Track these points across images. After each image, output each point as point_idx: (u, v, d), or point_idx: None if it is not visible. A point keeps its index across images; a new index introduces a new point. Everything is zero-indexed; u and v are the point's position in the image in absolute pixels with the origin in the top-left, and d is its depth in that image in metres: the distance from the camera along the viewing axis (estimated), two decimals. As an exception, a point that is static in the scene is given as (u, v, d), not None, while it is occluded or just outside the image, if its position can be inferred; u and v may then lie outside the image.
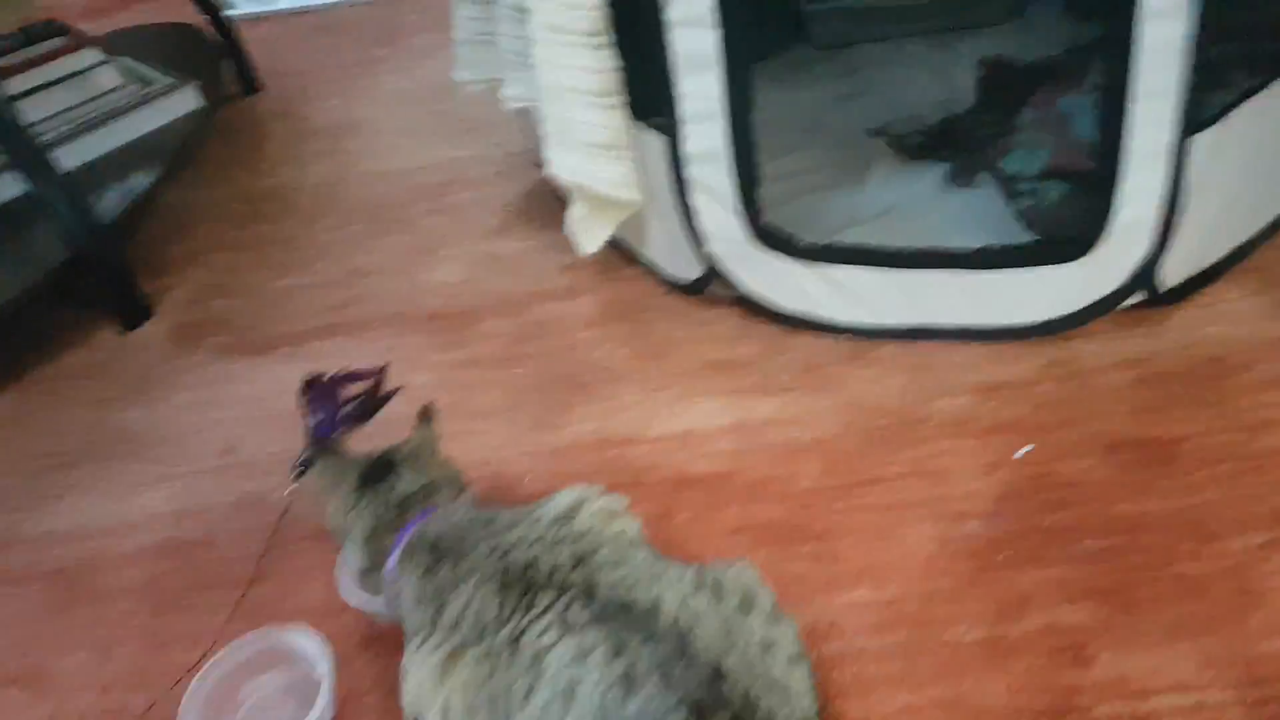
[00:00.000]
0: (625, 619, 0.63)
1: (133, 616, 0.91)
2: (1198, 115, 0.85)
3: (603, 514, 0.72)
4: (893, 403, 0.95)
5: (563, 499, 0.73)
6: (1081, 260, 0.92)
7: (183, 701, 0.77)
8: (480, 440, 1.01)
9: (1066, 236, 0.98)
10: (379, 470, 0.81)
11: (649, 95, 0.97)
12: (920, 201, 1.12)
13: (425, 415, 0.85)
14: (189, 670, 0.80)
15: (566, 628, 0.63)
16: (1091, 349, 0.96)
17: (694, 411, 0.99)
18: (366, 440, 1.04)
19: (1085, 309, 0.95)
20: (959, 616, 0.76)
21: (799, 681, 0.64)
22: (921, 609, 0.78)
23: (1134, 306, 0.98)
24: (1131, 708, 0.69)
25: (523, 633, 0.64)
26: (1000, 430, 0.90)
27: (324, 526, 0.82)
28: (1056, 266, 0.94)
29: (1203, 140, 0.86)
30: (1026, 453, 0.88)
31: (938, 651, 0.75)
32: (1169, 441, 0.86)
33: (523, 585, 0.66)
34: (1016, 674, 0.72)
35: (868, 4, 1.41)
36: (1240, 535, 0.78)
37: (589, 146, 1.01)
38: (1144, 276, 0.93)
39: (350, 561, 0.80)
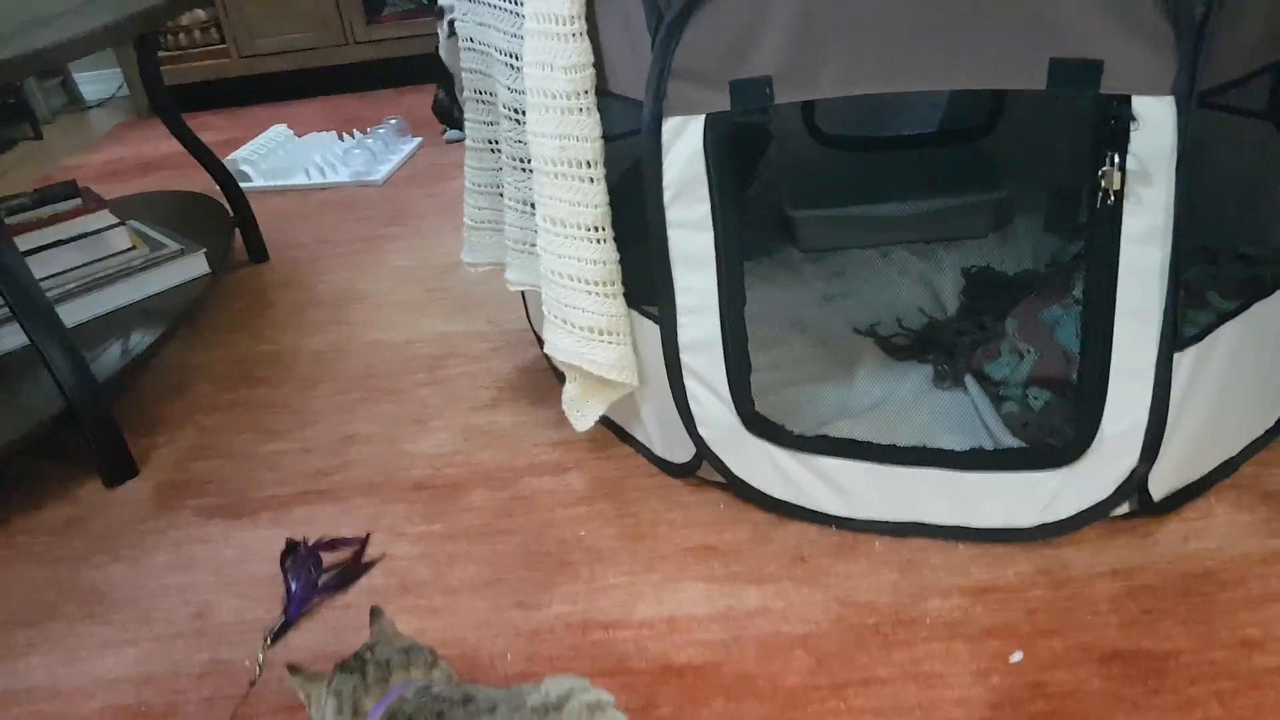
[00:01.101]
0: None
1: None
2: (1180, 334, 0.89)
3: (590, 708, 0.69)
4: (884, 600, 0.94)
5: (551, 688, 0.70)
6: (1070, 467, 0.94)
7: None
8: (459, 617, 0.98)
9: (1054, 443, 1.00)
10: (354, 654, 0.79)
11: (646, 286, 1.01)
12: (907, 399, 1.15)
13: (375, 614, 0.84)
14: None
15: None
16: (1082, 557, 0.96)
17: (680, 597, 0.97)
18: (343, 608, 1.01)
19: (1075, 516, 0.96)
20: (955, 835, 0.72)
21: None
22: (915, 825, 0.73)
23: (1124, 516, 0.99)
24: None
25: None
26: (993, 635, 0.88)
27: (292, 698, 0.78)
28: (1048, 471, 0.95)
29: (1187, 357, 0.90)
30: (1021, 657, 0.86)
31: None
32: (1162, 656, 0.85)
33: None
34: None
35: (852, 213, 1.49)
36: (1242, 760, 0.75)
37: (586, 331, 1.04)
38: (1132, 486, 0.94)
39: None
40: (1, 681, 0.98)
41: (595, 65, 0.94)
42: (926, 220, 1.47)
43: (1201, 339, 0.91)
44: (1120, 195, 0.83)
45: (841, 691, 0.85)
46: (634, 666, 0.90)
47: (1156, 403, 0.90)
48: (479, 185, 1.25)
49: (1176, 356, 0.89)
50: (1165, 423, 0.91)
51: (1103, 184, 0.83)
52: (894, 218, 1.48)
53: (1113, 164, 0.82)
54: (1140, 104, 0.79)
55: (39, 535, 1.19)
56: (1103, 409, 0.91)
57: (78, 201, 1.56)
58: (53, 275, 1.47)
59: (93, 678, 0.97)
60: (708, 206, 0.93)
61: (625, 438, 1.21)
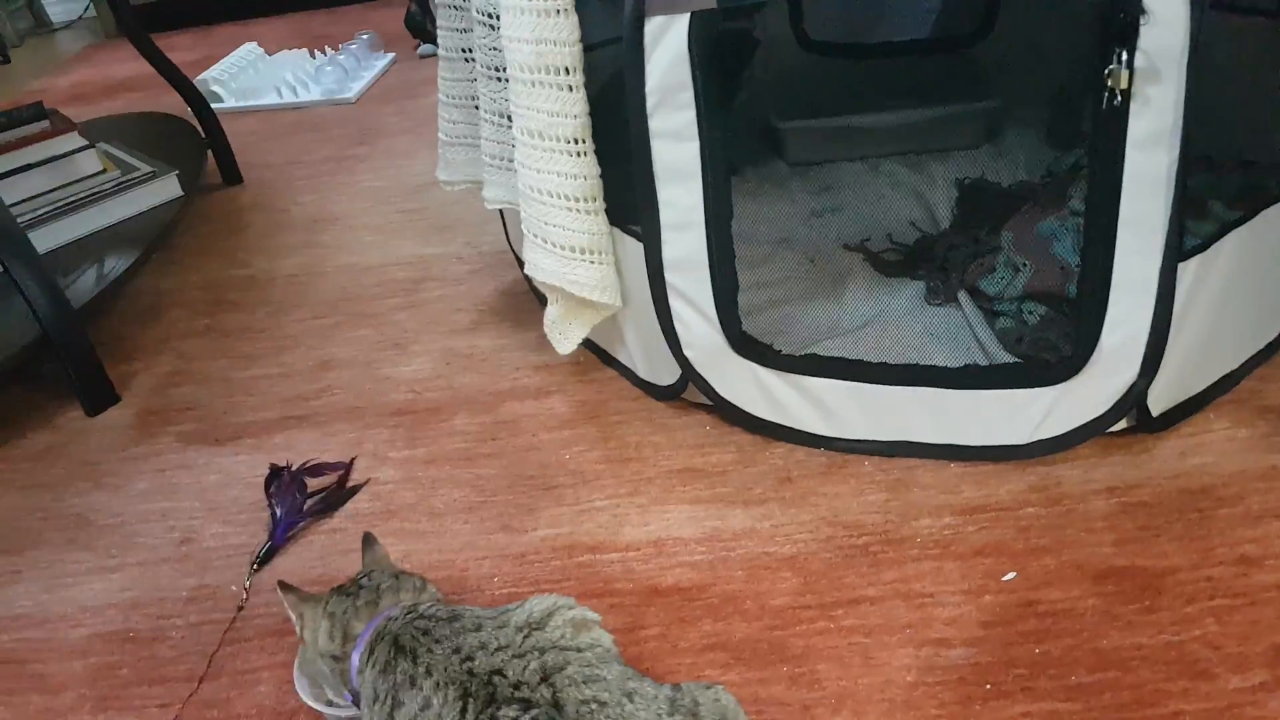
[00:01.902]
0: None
1: (77, 709, 0.85)
2: (1183, 244, 0.85)
3: (575, 624, 0.68)
4: (873, 520, 0.92)
5: (535, 606, 0.70)
6: (1066, 383, 0.91)
7: None
8: (445, 540, 0.97)
9: (1050, 359, 0.98)
10: (347, 581, 0.78)
11: (629, 202, 0.97)
12: (898, 317, 1.12)
13: (368, 541, 0.83)
14: None
15: None
16: (1076, 474, 0.94)
17: (666, 519, 0.95)
18: (329, 532, 1.00)
19: (1070, 432, 0.94)
20: (943, 752, 0.72)
21: None
22: (904, 742, 0.73)
23: (1120, 432, 0.97)
24: None
25: None
26: (984, 554, 0.87)
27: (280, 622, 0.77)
28: (1042, 388, 0.92)
29: (1189, 269, 0.87)
30: (1014, 576, 0.84)
31: (921, 791, 0.70)
32: (1157, 573, 0.83)
33: (486, 695, 0.62)
34: (1005, 819, 0.67)
35: (841, 124, 1.44)
36: (1236, 674, 0.74)
37: (567, 250, 1.00)
38: (1130, 402, 0.92)
39: (315, 660, 0.75)
40: (-8, 604, 0.97)
41: (572, -37, 0.88)
42: (918, 131, 1.42)
43: (1205, 249, 0.88)
44: (1127, 95, 0.78)
45: (830, 611, 0.84)
46: (621, 588, 0.89)
47: (1158, 315, 0.87)
48: (453, 98, 1.19)
49: (1179, 267, 0.86)
50: (1167, 336, 0.88)
51: (1109, 84, 0.78)
52: (884, 129, 1.42)
53: (1120, 62, 0.77)
54: (1151, -4, 0.74)
55: (19, 463, 1.17)
56: (1102, 322, 0.88)
57: (45, 124, 1.51)
58: (23, 200, 1.42)
59: (79, 604, 0.96)
60: (692, 114, 0.88)
61: (609, 361, 1.18)
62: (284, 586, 0.78)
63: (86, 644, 0.91)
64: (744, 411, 1.03)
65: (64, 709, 0.85)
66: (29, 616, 0.95)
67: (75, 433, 1.21)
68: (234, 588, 0.95)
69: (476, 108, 1.12)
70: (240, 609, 0.93)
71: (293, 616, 0.76)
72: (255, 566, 0.97)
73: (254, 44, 2.52)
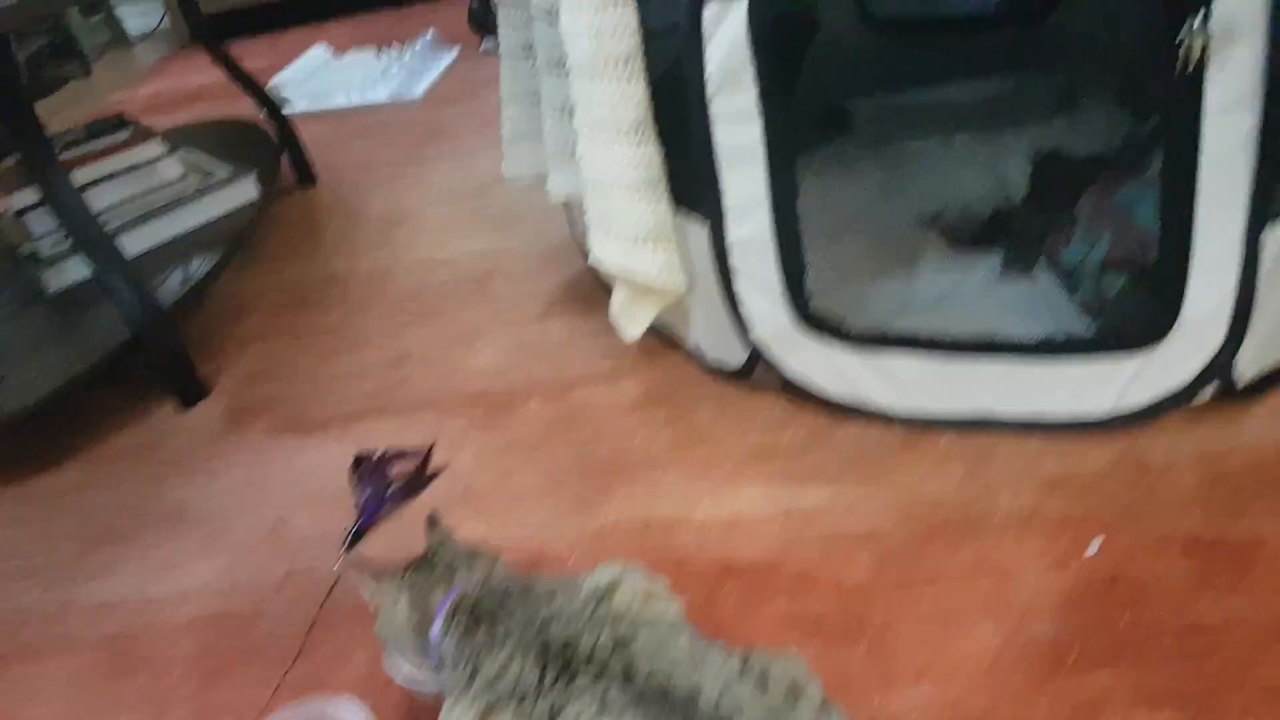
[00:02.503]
0: (664, 703, 0.61)
1: (183, 686, 0.90)
2: (1267, 210, 0.82)
3: (642, 594, 0.71)
4: (951, 496, 0.91)
5: (601, 575, 0.72)
6: (1150, 352, 0.89)
7: None
8: (521, 521, 0.99)
9: (1131, 329, 0.95)
10: (419, 559, 0.81)
11: (692, 186, 0.97)
12: (974, 291, 1.10)
13: (432, 522, 0.85)
14: None
15: (604, 710, 0.61)
16: (1162, 444, 0.92)
17: (739, 498, 0.96)
18: (412, 516, 1.02)
19: (1155, 403, 0.91)
20: (1028, 719, 0.71)
21: None
22: (987, 711, 0.72)
23: (1207, 402, 0.94)
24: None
25: (561, 709, 0.62)
26: (1068, 527, 0.85)
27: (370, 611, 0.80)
28: (1124, 358, 0.90)
29: (1274, 234, 0.83)
30: (1098, 548, 0.83)
31: (1005, 762, 0.69)
32: (1249, 544, 0.81)
33: (562, 661, 0.65)
34: (1093, 789, 0.67)
35: (909, 100, 1.42)
36: (1334, 645, 0.72)
37: (632, 236, 1.01)
38: (1217, 370, 0.89)
39: (393, 631, 0.77)
40: (95, 595, 1.02)
41: (630, -49, 0.88)
42: (989, 104, 1.39)
43: (1291, 213, 0.85)
44: (1202, 61, 0.76)
45: (907, 587, 0.83)
46: (694, 566, 0.89)
47: (1243, 282, 0.84)
48: (515, 94, 1.21)
49: (1264, 233, 0.83)
50: (1251, 305, 0.85)
51: (1183, 48, 0.76)
52: (954, 103, 1.40)
53: (1193, 27, 0.74)
54: (1228, -48, 0.72)
55: (117, 459, 1.23)
56: (1183, 291, 0.85)
57: (127, 133, 1.57)
58: (109, 207, 1.49)
59: (179, 588, 1.01)
60: (754, 95, 0.88)
61: (677, 344, 1.19)
62: (356, 564, 0.80)
63: (188, 626, 0.96)
64: (815, 391, 1.03)
65: (169, 687, 0.90)
66: (133, 601, 1.01)
67: (168, 428, 1.27)
68: (326, 567, 0.98)
69: (539, 103, 1.14)
70: (332, 588, 0.96)
71: (366, 588, 0.79)
72: (345, 549, 1.01)
73: (323, 45, 2.59)
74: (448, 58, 2.40)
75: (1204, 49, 0.75)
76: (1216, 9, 0.73)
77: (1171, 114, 0.80)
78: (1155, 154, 1.06)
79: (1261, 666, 0.71)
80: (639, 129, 0.95)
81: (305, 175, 1.89)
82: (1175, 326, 0.87)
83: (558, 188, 1.15)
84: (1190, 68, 0.76)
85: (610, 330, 1.12)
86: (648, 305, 1.08)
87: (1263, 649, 0.72)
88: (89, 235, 1.25)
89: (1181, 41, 0.75)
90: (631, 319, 1.09)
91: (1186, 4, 0.74)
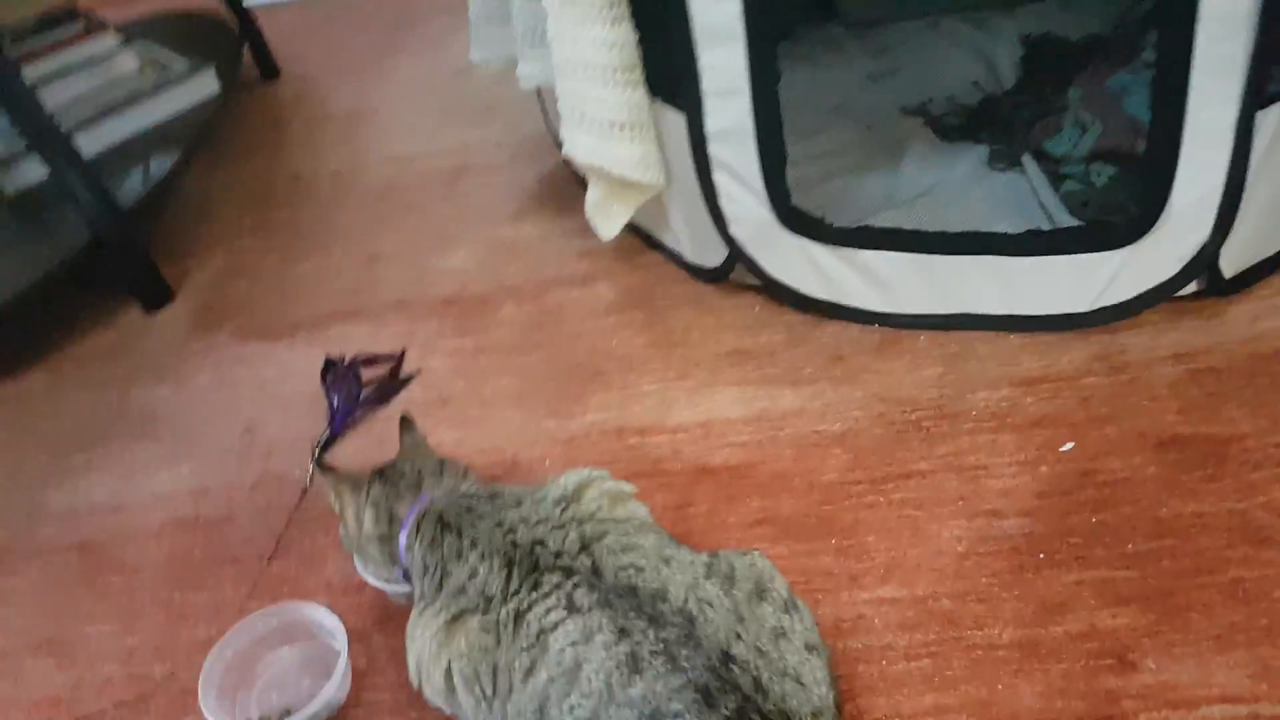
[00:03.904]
0: (631, 602, 0.61)
1: (155, 589, 0.90)
2: (1264, 90, 0.78)
3: (609, 496, 0.70)
4: (926, 395, 0.90)
5: (569, 480, 0.71)
6: (1133, 246, 0.86)
7: (202, 672, 0.76)
8: (496, 427, 0.98)
9: (1117, 221, 0.92)
10: (388, 463, 0.79)
11: (669, 71, 0.92)
12: (959, 184, 1.07)
13: (406, 423, 0.83)
14: (209, 642, 0.79)
15: (572, 609, 0.61)
16: (1142, 341, 0.90)
17: (714, 401, 0.95)
18: (385, 420, 1.02)
19: (1136, 298, 0.89)
20: (994, 616, 0.71)
21: (814, 670, 0.61)
22: (954, 607, 0.73)
23: (1189, 297, 0.92)
24: (1178, 717, 0.64)
25: (527, 610, 0.62)
26: (1042, 425, 0.85)
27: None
28: (1109, 252, 0.88)
29: (1269, 117, 0.80)
30: (1071, 447, 0.82)
31: (970, 651, 0.70)
32: (1223, 440, 0.80)
33: (529, 564, 0.65)
34: (1054, 677, 0.67)
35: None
36: (1302, 542, 0.72)
37: (606, 126, 0.97)
38: (1201, 264, 0.87)
39: (359, 540, 0.77)
40: (66, 499, 1.02)
41: None
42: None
43: (1288, 94, 0.81)
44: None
45: (880, 485, 0.83)
46: (669, 468, 0.89)
47: (1234, 169, 0.81)
48: (484, -28, 1.15)
49: (1259, 115, 0.79)
50: (1242, 191, 0.82)
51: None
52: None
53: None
54: None
55: (84, 361, 1.21)
56: (1173, 178, 0.82)
57: (80, 26, 1.50)
58: (63, 104, 1.43)
59: (150, 493, 1.00)
60: (733, -31, 0.83)
61: (654, 244, 1.16)
62: (323, 468, 0.80)
63: (160, 529, 0.96)
64: (794, 290, 1.00)
65: (143, 588, 0.90)
66: (104, 505, 1.00)
67: (135, 331, 1.24)
68: (297, 473, 0.98)
69: (507, -20, 1.08)
70: (304, 493, 0.96)
71: (331, 497, 0.78)
72: (317, 453, 1.00)
73: (287, -68, 2.45)
74: (418, -60, 2.28)
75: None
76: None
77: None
78: (1149, 38, 1.02)
79: (1226, 567, 0.71)
80: (612, 5, 0.90)
81: (268, 68, 1.81)
82: (1162, 216, 0.84)
83: (528, 73, 1.10)
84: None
85: (586, 230, 1.09)
86: (624, 203, 1.05)
87: (1229, 548, 0.72)
88: (44, 134, 1.20)
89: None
90: (607, 217, 1.06)
91: None
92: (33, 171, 1.36)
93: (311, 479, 0.97)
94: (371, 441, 1.01)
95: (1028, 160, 1.05)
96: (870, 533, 0.79)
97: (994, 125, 1.12)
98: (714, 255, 1.05)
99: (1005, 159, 1.07)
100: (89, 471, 1.05)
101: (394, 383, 1.08)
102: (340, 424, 1.03)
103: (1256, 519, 0.74)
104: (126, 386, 1.16)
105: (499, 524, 0.68)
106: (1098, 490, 0.79)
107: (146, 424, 1.09)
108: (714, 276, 1.08)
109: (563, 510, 0.69)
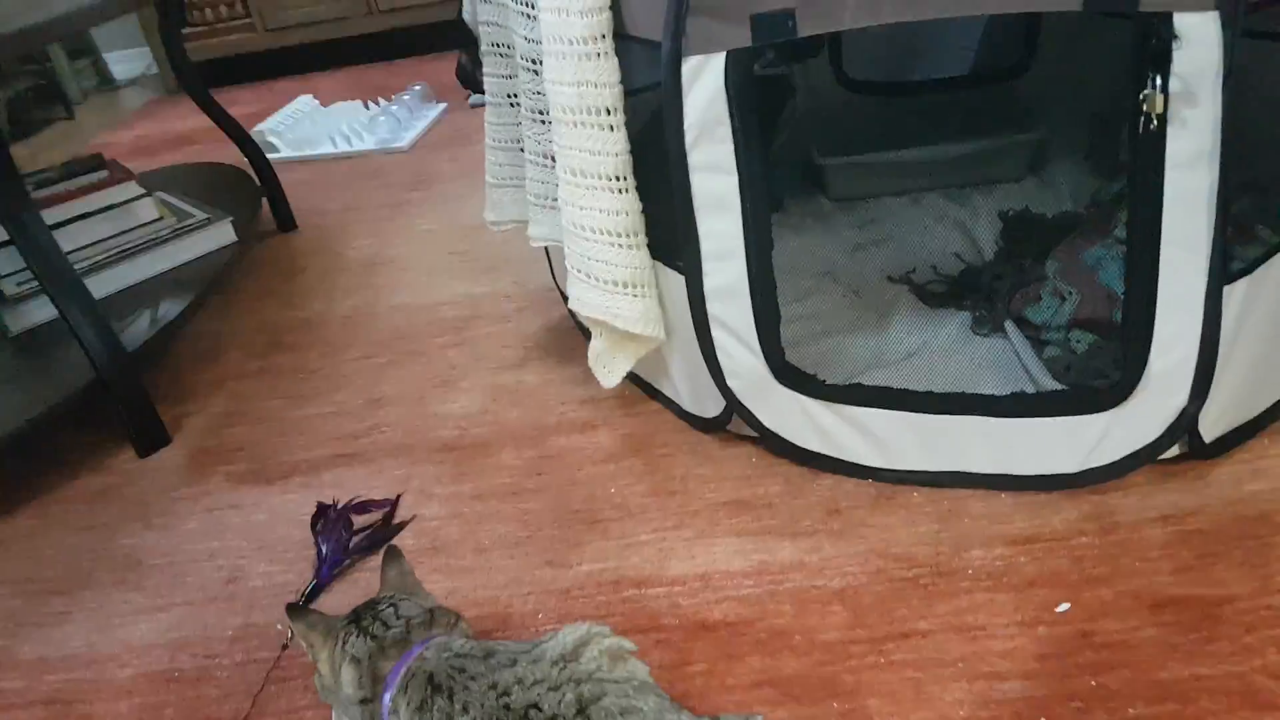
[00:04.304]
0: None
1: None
2: (1229, 266, 0.84)
3: (609, 655, 0.68)
4: (923, 552, 0.91)
5: (567, 636, 0.69)
6: (1117, 409, 0.90)
7: None
8: (490, 576, 0.97)
9: (1099, 385, 0.96)
10: (369, 607, 0.77)
11: (670, 235, 0.98)
12: (944, 346, 1.11)
13: (392, 554, 0.81)
14: None
15: None
16: (1130, 502, 0.92)
17: (713, 552, 0.95)
18: (375, 570, 1.00)
19: (1122, 460, 0.92)
20: (1000, 787, 0.70)
21: None
22: (958, 776, 0.71)
23: (1173, 460, 0.95)
24: None
25: None
26: (1038, 585, 0.85)
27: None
28: (1092, 415, 0.91)
29: (1236, 291, 0.85)
30: (1068, 607, 0.83)
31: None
32: (1216, 602, 0.81)
33: None
34: None
35: (883, 159, 1.45)
36: (1304, 707, 0.72)
37: (610, 284, 1.02)
38: (1182, 427, 0.90)
39: (343, 703, 0.74)
40: (38, 649, 0.99)
41: (612, 8, 0.90)
42: (960, 164, 1.42)
43: (1251, 272, 0.86)
44: (1164, 119, 0.78)
45: (880, 645, 0.82)
46: (667, 623, 0.88)
47: (1206, 336, 0.86)
48: (499, 141, 1.22)
49: (1226, 290, 0.84)
50: (1215, 358, 0.87)
51: (1144, 108, 0.78)
52: (926, 162, 1.43)
53: (1154, 86, 0.77)
54: (1182, 21, 0.74)
55: (73, 504, 1.20)
56: (1150, 345, 0.87)
57: (104, 174, 1.57)
58: (81, 247, 1.48)
59: (126, 644, 0.97)
60: (730, 147, 0.90)
61: (653, 393, 1.19)
62: (292, 611, 0.76)
63: (132, 684, 0.92)
64: (790, 442, 1.03)
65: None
66: (78, 656, 0.97)
67: (128, 474, 1.24)
68: (279, 626, 0.96)
69: (522, 150, 1.15)
70: (285, 648, 0.93)
71: (304, 645, 0.76)
72: (300, 602, 0.98)
73: (309, 96, 2.61)
74: (435, 111, 2.43)
75: (1165, 106, 0.77)
76: (1176, 68, 0.76)
77: (1137, 167, 0.82)
78: (1120, 215, 1.09)
79: (1231, 728, 0.71)
80: (620, 177, 0.96)
81: (286, 220, 1.89)
82: (1142, 381, 0.88)
83: (538, 234, 1.16)
84: (1153, 124, 0.78)
85: (587, 378, 1.12)
86: (626, 354, 1.08)
87: (1228, 711, 0.72)
88: (56, 274, 1.23)
89: (1144, 99, 0.77)
90: (609, 367, 1.09)
91: (1147, 63, 0.77)
92: (41, 311, 1.39)
93: (292, 634, 0.94)
94: (358, 592, 0.99)
95: (1009, 327, 1.10)
96: (872, 695, 0.78)
97: (976, 293, 1.17)
98: (712, 406, 1.08)
99: (988, 325, 1.13)
100: (65, 620, 1.02)
101: (386, 529, 1.08)
102: (328, 573, 1.02)
103: (1255, 682, 0.74)
104: (113, 531, 1.14)
105: (493, 686, 0.66)
106: (1096, 652, 0.78)
107: (129, 570, 1.08)
108: (712, 426, 1.10)
109: (560, 670, 0.67)
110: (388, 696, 0.70)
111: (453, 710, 0.66)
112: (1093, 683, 0.76)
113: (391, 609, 0.75)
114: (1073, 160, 1.42)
